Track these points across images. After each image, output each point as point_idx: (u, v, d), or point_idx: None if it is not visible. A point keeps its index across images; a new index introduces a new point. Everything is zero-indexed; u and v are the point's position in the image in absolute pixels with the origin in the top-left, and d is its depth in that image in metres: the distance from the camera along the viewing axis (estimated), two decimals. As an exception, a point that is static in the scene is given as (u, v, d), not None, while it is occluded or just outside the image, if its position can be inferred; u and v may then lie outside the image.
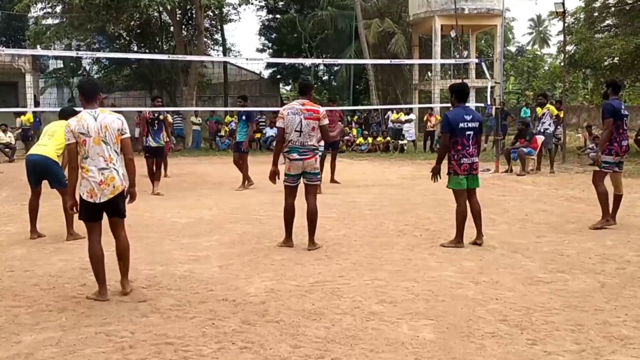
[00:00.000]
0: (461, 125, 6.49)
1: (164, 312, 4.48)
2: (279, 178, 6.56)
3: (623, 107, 7.59)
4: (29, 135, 21.09)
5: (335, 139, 12.72)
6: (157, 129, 11.45)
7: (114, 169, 4.75)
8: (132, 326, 4.18)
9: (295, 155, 6.38)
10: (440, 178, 6.70)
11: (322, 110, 6.58)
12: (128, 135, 4.89)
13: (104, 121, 4.73)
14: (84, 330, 4.10)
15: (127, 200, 4.92)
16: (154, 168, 11.38)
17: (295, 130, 6.36)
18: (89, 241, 4.85)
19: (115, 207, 4.83)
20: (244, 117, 11.86)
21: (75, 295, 4.89)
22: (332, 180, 12.46)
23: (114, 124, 4.76)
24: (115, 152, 4.78)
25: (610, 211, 7.68)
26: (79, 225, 7.07)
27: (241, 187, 11.72)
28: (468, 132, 6.53)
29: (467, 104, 6.82)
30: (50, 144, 6.99)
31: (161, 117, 11.53)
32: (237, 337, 3.97)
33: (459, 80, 24.77)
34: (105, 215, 4.89)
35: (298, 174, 6.45)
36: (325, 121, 6.49)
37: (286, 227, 6.64)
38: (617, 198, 7.73)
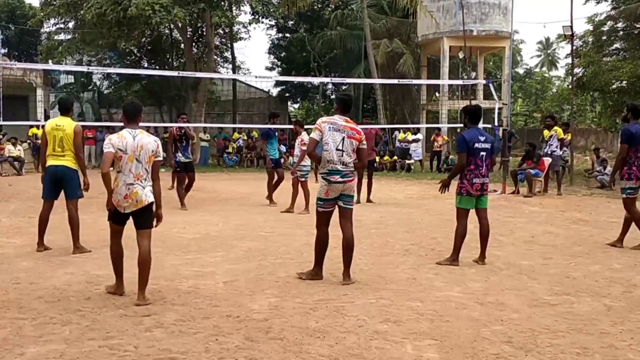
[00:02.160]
0: (476, 145, 6.58)
1: (167, 327, 4.47)
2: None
3: None
4: (39, 149, 21.22)
5: (371, 157, 12.83)
6: (185, 144, 11.61)
7: (140, 185, 5.16)
8: (136, 340, 4.17)
9: (337, 178, 5.76)
10: (448, 190, 6.78)
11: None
12: (160, 158, 5.35)
13: (141, 141, 5.20)
14: (87, 344, 4.10)
15: (154, 223, 5.30)
16: (187, 181, 11.53)
17: (337, 149, 5.75)
18: (111, 242, 5.38)
19: (140, 218, 5.22)
20: (277, 134, 12.30)
21: (79, 308, 4.90)
22: (368, 200, 12.58)
23: (149, 146, 5.22)
24: (146, 170, 5.22)
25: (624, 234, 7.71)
26: (86, 239, 7.14)
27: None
28: (482, 153, 6.61)
29: (479, 126, 6.89)
30: (66, 154, 7.12)
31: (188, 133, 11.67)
32: (240, 353, 3.96)
33: (467, 101, 24.86)
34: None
35: (335, 198, 5.85)
36: (365, 144, 5.99)
37: (317, 258, 6.00)
38: (635, 222, 7.71)
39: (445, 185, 6.79)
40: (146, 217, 5.24)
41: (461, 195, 6.65)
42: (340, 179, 5.79)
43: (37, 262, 6.66)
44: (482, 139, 6.65)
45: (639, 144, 7.54)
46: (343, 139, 5.79)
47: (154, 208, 5.27)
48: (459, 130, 28.31)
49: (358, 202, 12.45)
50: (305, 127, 12.13)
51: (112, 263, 5.37)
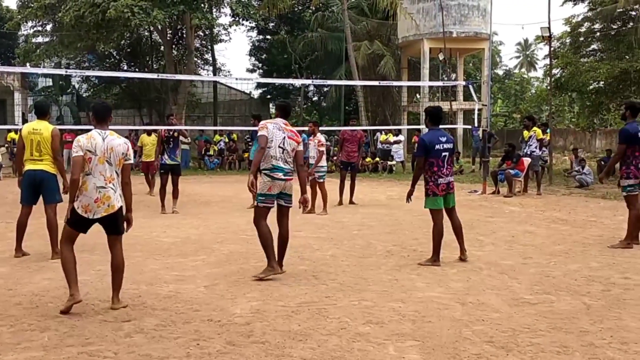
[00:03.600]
0: (437, 147, 6.68)
1: (148, 332, 4.43)
2: (254, 187, 6.24)
3: None
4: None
5: (354, 160, 12.83)
6: (173, 146, 11.32)
7: (112, 188, 4.97)
8: (116, 346, 4.13)
9: (280, 175, 6.06)
10: (411, 200, 6.98)
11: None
12: (131, 161, 5.16)
13: (111, 143, 5.00)
14: (66, 350, 4.04)
15: (124, 226, 5.15)
16: (171, 186, 11.24)
17: (279, 147, 6.08)
18: (62, 249, 5.05)
19: (111, 224, 5.04)
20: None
21: (58, 314, 4.83)
22: (351, 202, 12.63)
23: (120, 148, 5.02)
24: (117, 173, 5.04)
25: (631, 232, 7.79)
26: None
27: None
28: (444, 154, 6.73)
29: (440, 127, 6.98)
30: (44, 158, 7.00)
31: (176, 134, 11.41)
32: (222, 358, 3.94)
33: (447, 103, 25.01)
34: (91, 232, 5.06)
35: (276, 194, 6.11)
36: (302, 147, 6.35)
37: (268, 253, 6.08)
38: (639, 218, 7.78)
39: (409, 195, 6.95)
40: (118, 223, 5.06)
41: (428, 197, 6.79)
42: (283, 176, 6.08)
43: (14, 268, 6.56)
44: (443, 139, 6.76)
45: (637, 143, 7.58)
46: (284, 138, 6.13)
47: (123, 212, 5.10)
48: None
49: (340, 203, 12.53)
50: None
51: (66, 272, 4.93)
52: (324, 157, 11.49)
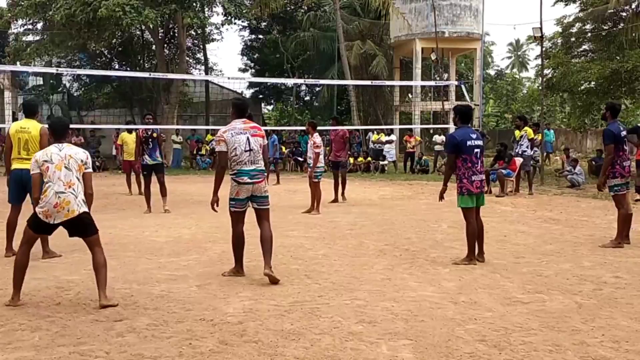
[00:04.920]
0: (469, 143, 6.66)
1: (140, 331, 4.41)
2: (217, 206, 6.07)
3: (622, 129, 7.81)
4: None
5: (342, 158, 12.86)
6: (152, 146, 11.16)
7: (72, 193, 5.04)
8: (107, 346, 4.10)
9: (245, 179, 5.89)
10: (444, 199, 6.88)
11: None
12: (90, 170, 5.29)
13: (69, 152, 5.17)
14: (57, 350, 4.01)
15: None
16: (158, 185, 11.14)
17: (245, 150, 5.88)
18: (21, 248, 5.20)
19: (75, 228, 5.12)
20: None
21: (49, 314, 4.80)
22: (342, 196, 12.82)
23: (78, 155, 5.19)
24: (77, 178, 5.12)
25: (621, 231, 7.84)
26: (55, 244, 6.99)
27: None
28: (475, 150, 6.71)
29: (470, 125, 7.02)
30: (32, 157, 6.92)
31: (155, 134, 11.27)
32: (214, 357, 3.92)
33: (439, 103, 25.09)
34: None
35: (247, 198, 5.97)
36: (266, 141, 6.24)
37: (236, 256, 6.18)
38: (628, 217, 7.85)
39: (442, 194, 6.89)
40: (86, 225, 5.10)
41: (463, 195, 6.73)
42: (249, 180, 5.92)
43: (5, 267, 6.49)
44: (474, 136, 6.76)
45: (620, 142, 7.69)
46: (248, 139, 5.94)
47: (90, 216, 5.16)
48: (431, 131, 28.70)
49: (335, 200, 12.58)
50: (281, 128, 12.13)
51: (13, 273, 5.08)
52: (321, 157, 11.46)
